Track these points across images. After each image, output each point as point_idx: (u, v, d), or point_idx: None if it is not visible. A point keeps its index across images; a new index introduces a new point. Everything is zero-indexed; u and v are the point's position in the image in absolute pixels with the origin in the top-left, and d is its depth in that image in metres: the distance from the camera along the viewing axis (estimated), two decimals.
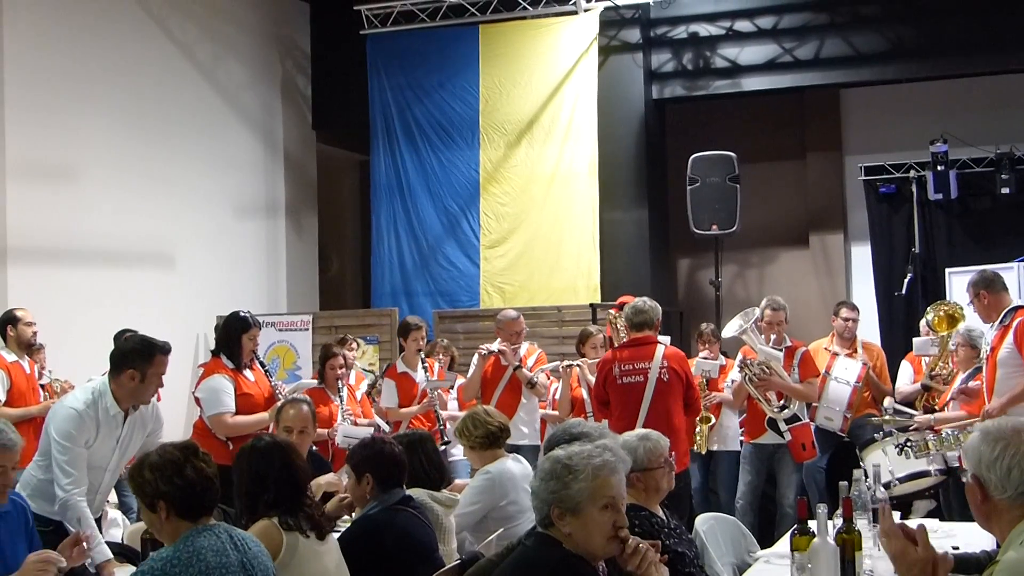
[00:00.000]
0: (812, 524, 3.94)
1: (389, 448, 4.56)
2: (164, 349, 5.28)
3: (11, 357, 7.77)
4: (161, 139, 10.48)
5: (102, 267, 9.75)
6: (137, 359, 5.17)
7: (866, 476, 4.90)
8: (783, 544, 5.07)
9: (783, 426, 7.64)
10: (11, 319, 7.87)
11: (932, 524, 5.50)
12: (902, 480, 6.97)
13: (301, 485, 4.05)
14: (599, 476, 3.31)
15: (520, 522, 5.34)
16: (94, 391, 5.18)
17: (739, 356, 8.02)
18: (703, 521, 5.06)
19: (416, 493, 4.66)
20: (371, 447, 4.55)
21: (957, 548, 4.52)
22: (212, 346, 7.29)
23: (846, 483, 4.37)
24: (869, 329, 9.96)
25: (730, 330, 7.86)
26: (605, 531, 3.32)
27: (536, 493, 3.38)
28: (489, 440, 5.47)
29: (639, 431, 4.61)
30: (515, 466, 5.52)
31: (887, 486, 6.38)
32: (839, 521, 4.04)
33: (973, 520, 3.56)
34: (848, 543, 3.85)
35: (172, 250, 10.61)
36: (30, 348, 7.96)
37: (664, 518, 4.42)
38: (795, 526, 3.99)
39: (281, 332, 10.77)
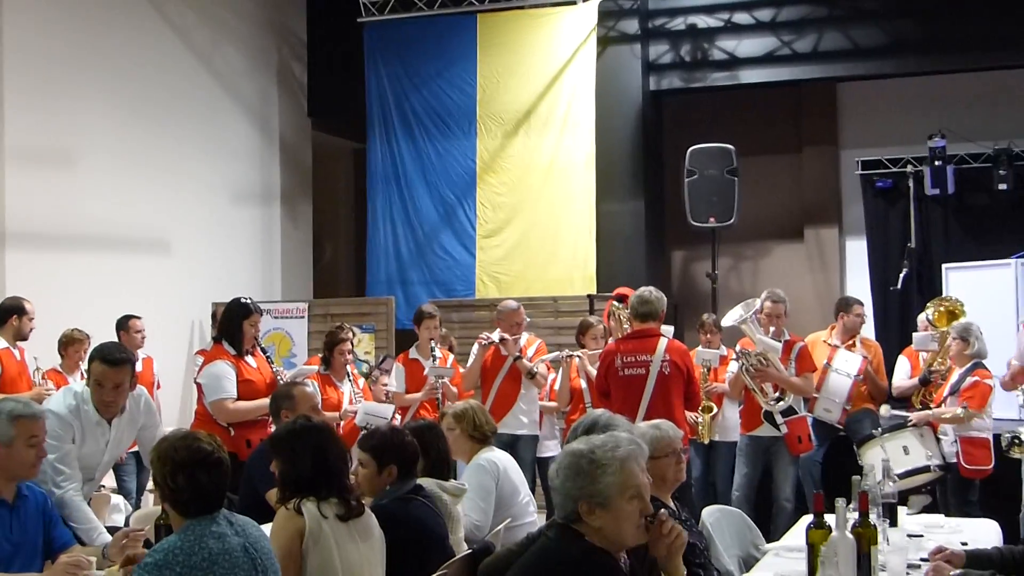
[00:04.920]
0: (828, 518, 3.93)
1: (409, 439, 4.56)
2: (107, 358, 5.10)
3: (2, 344, 7.74)
4: (158, 125, 10.43)
5: (99, 253, 9.70)
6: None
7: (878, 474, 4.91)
8: (791, 537, 5.08)
9: (779, 419, 7.65)
10: (20, 309, 7.82)
11: (937, 520, 5.53)
12: (901, 476, 7.01)
13: (335, 468, 4.03)
14: (626, 468, 3.30)
15: (514, 504, 5.47)
16: (76, 395, 5.17)
17: (737, 347, 8.02)
18: (709, 514, 5.08)
19: (426, 483, 4.67)
20: (394, 437, 4.54)
21: (966, 544, 4.55)
22: (207, 332, 7.31)
23: (859, 477, 4.37)
24: (864, 324, 9.96)
25: (730, 319, 7.86)
26: (635, 520, 3.32)
27: (559, 489, 3.33)
28: (482, 437, 5.61)
29: (653, 421, 4.64)
30: (493, 452, 5.65)
31: None
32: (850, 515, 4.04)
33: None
34: (864, 537, 3.84)
35: (168, 236, 10.56)
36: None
37: (675, 509, 4.42)
38: (811, 519, 3.98)
39: (277, 320, 10.72)
